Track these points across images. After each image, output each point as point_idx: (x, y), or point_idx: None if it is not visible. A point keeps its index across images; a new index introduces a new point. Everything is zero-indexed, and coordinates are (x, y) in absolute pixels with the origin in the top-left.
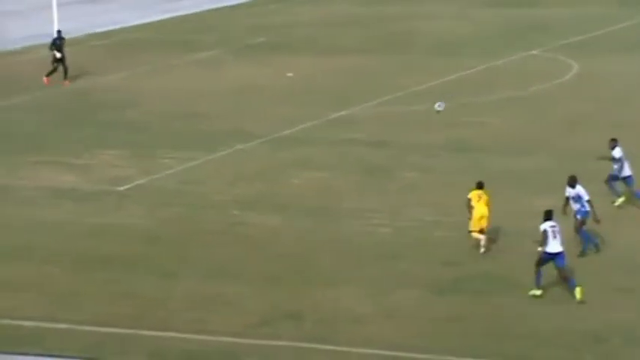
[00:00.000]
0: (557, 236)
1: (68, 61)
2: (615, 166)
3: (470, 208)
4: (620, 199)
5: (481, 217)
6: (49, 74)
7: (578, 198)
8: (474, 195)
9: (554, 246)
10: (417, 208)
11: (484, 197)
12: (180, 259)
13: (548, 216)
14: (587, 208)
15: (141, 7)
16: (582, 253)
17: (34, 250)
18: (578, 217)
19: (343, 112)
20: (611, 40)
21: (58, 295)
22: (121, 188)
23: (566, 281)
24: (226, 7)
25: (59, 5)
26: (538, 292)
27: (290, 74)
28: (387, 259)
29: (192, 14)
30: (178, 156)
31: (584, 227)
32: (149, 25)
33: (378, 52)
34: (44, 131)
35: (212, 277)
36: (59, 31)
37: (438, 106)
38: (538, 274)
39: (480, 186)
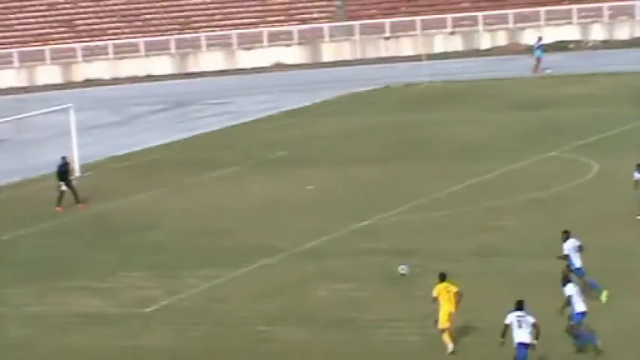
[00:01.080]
0: (524, 326)
1: (86, 185)
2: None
3: (436, 303)
4: (605, 293)
5: (449, 315)
6: (59, 203)
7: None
8: (441, 290)
9: (520, 335)
10: None
11: (452, 291)
12: None
13: (518, 306)
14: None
15: (160, 128)
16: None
17: None
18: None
19: (365, 222)
20: (628, 138)
21: None
22: (147, 310)
23: None
24: (245, 122)
25: (79, 130)
26: None
27: (310, 187)
28: None
29: (212, 132)
30: (202, 274)
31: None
32: (170, 145)
33: (397, 160)
34: (70, 256)
35: None
36: (63, 158)
37: (402, 269)
38: None
39: (442, 278)
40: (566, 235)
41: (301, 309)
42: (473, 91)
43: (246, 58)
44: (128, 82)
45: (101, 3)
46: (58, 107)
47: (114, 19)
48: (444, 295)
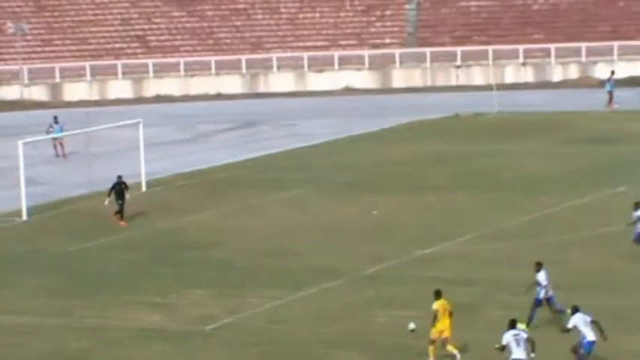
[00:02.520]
0: (521, 344)
1: (152, 200)
2: (539, 289)
3: (436, 318)
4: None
5: (442, 330)
6: (119, 215)
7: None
8: (440, 305)
9: (518, 353)
10: None
11: (448, 308)
12: None
13: (511, 325)
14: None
15: (228, 146)
16: None
17: None
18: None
19: (428, 250)
20: None
21: None
22: (207, 328)
23: None
24: (313, 145)
25: (147, 146)
26: None
27: (375, 212)
28: None
29: (279, 153)
30: (264, 294)
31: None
32: (237, 165)
33: (463, 190)
34: (132, 271)
35: None
36: (119, 177)
37: (411, 326)
38: None
39: (439, 295)
40: (539, 267)
41: (361, 334)
42: (542, 123)
43: (317, 81)
44: (198, 99)
45: (174, 20)
46: (128, 122)
47: (186, 36)
48: (442, 310)
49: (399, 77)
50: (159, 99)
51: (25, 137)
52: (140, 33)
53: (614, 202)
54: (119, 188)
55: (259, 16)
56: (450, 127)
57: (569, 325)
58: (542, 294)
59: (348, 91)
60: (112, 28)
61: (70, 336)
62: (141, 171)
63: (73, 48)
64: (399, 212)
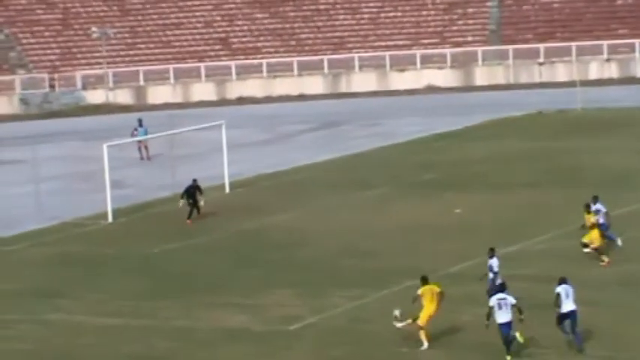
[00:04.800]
0: (503, 307)
1: (235, 202)
2: (491, 276)
3: (418, 302)
4: None
5: (430, 316)
6: (189, 216)
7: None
8: (425, 291)
9: (501, 317)
10: (588, 343)
11: (435, 292)
12: None
13: (500, 288)
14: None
15: (311, 147)
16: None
17: None
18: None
19: (512, 248)
20: None
21: None
22: (291, 328)
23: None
24: (396, 144)
25: (230, 147)
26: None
27: (458, 210)
28: None
29: (362, 153)
30: (348, 294)
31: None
32: (319, 165)
33: (547, 187)
34: (216, 272)
35: None
36: (194, 180)
37: (396, 314)
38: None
39: (425, 281)
40: (492, 253)
41: (444, 332)
42: (627, 119)
43: (399, 80)
44: (280, 100)
45: (257, 22)
46: (211, 124)
47: (269, 37)
48: (428, 296)
49: (482, 75)
50: (242, 101)
51: (110, 140)
52: (223, 35)
53: None
54: (193, 191)
55: (341, 16)
56: (534, 124)
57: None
58: (497, 280)
59: (431, 89)
60: (195, 31)
61: (156, 337)
62: (224, 172)
63: (156, 51)
64: (482, 210)
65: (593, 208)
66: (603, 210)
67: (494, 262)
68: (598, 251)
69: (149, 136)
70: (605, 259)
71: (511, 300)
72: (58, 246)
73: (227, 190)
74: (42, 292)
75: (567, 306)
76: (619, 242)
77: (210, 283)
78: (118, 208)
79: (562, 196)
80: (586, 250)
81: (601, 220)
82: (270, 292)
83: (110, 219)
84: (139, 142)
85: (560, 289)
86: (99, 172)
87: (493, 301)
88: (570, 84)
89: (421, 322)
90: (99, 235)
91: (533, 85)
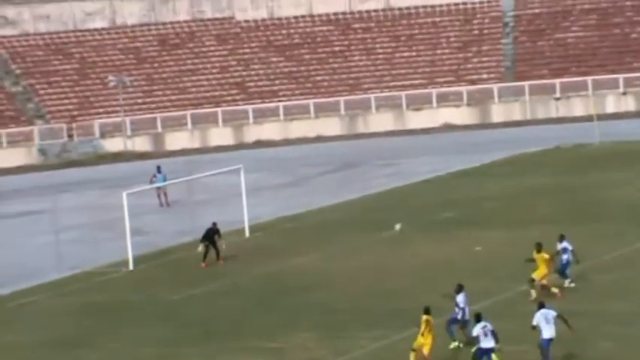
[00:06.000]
0: (488, 334)
1: (255, 245)
2: (457, 310)
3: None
4: (455, 344)
5: (423, 344)
6: (215, 257)
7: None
8: (427, 321)
9: (487, 343)
10: None
11: (430, 324)
12: None
13: (478, 318)
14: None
15: (330, 188)
16: None
17: None
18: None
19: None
20: None
21: None
22: None
23: None
24: (414, 183)
25: (249, 191)
26: None
27: (478, 248)
28: None
29: (380, 192)
30: (371, 335)
31: None
32: (338, 206)
33: (568, 222)
34: (238, 316)
35: None
36: (214, 223)
37: (396, 227)
38: None
39: (427, 311)
40: (459, 289)
41: None
42: None
43: (415, 119)
44: (298, 143)
45: (272, 65)
46: (229, 168)
47: (284, 81)
48: (428, 327)
49: (498, 112)
50: (259, 144)
51: (129, 188)
52: (239, 80)
53: None
54: (212, 234)
55: (356, 57)
56: (552, 159)
57: (534, 323)
58: (459, 315)
59: (448, 127)
60: (210, 76)
61: None
62: (244, 216)
63: (173, 97)
64: (503, 247)
65: (560, 246)
66: (570, 248)
67: (460, 298)
68: (547, 287)
69: (168, 182)
70: (556, 289)
71: (490, 326)
72: (79, 295)
73: (247, 234)
74: (62, 343)
75: (547, 332)
76: (569, 283)
77: (231, 327)
78: (138, 255)
79: (583, 230)
80: (532, 291)
81: (565, 259)
82: (293, 335)
83: (131, 266)
84: (158, 188)
85: (539, 315)
86: (119, 220)
87: (477, 330)
88: (587, 118)
89: (416, 344)
90: (120, 282)
91: (550, 120)
